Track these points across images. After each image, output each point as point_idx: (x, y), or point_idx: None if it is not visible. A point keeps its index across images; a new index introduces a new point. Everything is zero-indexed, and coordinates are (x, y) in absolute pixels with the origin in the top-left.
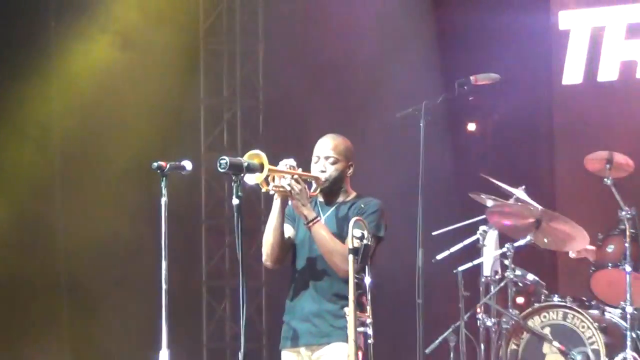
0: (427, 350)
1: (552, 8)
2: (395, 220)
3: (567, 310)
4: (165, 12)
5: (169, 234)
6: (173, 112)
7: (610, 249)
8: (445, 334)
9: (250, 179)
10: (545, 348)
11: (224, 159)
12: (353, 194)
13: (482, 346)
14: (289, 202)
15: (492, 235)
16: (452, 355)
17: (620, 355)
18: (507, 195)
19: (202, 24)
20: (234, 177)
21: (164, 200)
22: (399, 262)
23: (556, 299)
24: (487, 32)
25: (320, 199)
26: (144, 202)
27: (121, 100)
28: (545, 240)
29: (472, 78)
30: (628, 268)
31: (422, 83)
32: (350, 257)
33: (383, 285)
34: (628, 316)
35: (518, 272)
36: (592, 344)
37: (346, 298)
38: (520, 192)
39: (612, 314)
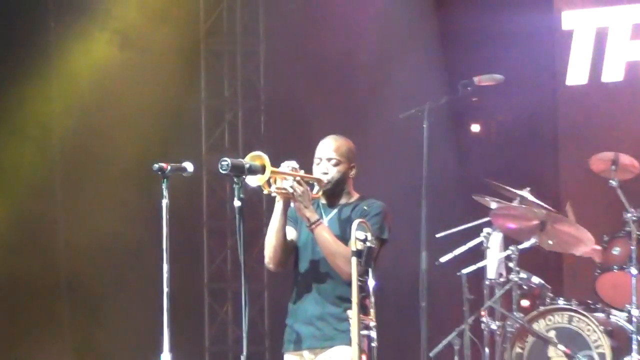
0: (431, 354)
1: (555, 8)
2: (399, 223)
3: (572, 314)
4: (165, 12)
5: (170, 236)
6: (174, 112)
7: (615, 251)
8: (450, 337)
9: (252, 180)
10: (551, 351)
11: (226, 161)
12: (356, 196)
13: (487, 350)
14: (291, 204)
15: (497, 238)
16: (456, 358)
17: (626, 359)
18: (511, 198)
19: (202, 24)
20: (235, 179)
21: (165, 202)
22: (402, 264)
23: (561, 302)
24: (490, 32)
25: (323, 201)
26: (144, 203)
27: (121, 101)
28: (550, 242)
29: (475, 79)
30: (634, 271)
31: (425, 84)
32: (354, 259)
33: (386, 288)
34: (634, 319)
35: (523, 275)
36: (597, 347)
37: (349, 301)
38: (525, 194)
39: (618, 317)
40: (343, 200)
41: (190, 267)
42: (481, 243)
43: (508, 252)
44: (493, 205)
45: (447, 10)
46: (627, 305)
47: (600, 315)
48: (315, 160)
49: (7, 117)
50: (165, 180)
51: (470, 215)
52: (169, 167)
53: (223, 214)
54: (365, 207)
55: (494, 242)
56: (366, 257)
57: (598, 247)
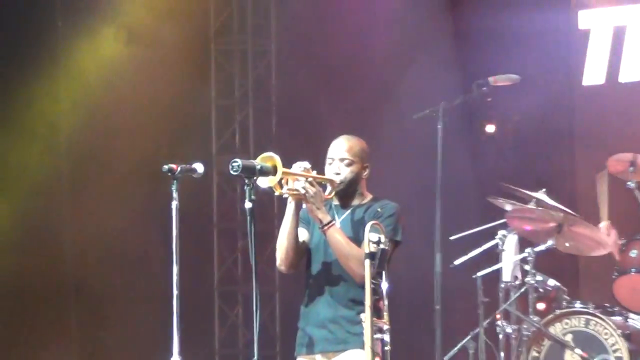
0: (445, 358)
1: (572, 7)
2: (412, 224)
3: (589, 317)
4: (175, 11)
5: (180, 238)
6: (184, 113)
7: (633, 253)
8: (464, 341)
9: (264, 182)
10: (567, 356)
11: (237, 162)
12: (369, 197)
13: (502, 354)
14: (303, 206)
15: (512, 240)
16: None
17: None
18: (526, 200)
19: (213, 23)
20: (246, 180)
21: (174, 203)
22: (416, 267)
23: (578, 305)
24: (506, 31)
25: (336, 202)
26: (153, 204)
27: (130, 101)
28: (567, 244)
29: (491, 79)
30: None
31: (439, 84)
32: (367, 261)
33: (400, 291)
34: None
35: (539, 278)
36: (615, 351)
37: (362, 304)
38: (541, 196)
39: (636, 321)
40: (356, 202)
41: (200, 269)
42: (496, 245)
43: (524, 254)
44: (508, 207)
45: (461, 9)
46: None
47: (618, 318)
48: (328, 161)
49: (15, 117)
50: (175, 181)
51: (485, 217)
52: (178, 169)
53: (234, 216)
54: (379, 209)
55: (509, 244)
56: (379, 260)
57: (620, 241)
